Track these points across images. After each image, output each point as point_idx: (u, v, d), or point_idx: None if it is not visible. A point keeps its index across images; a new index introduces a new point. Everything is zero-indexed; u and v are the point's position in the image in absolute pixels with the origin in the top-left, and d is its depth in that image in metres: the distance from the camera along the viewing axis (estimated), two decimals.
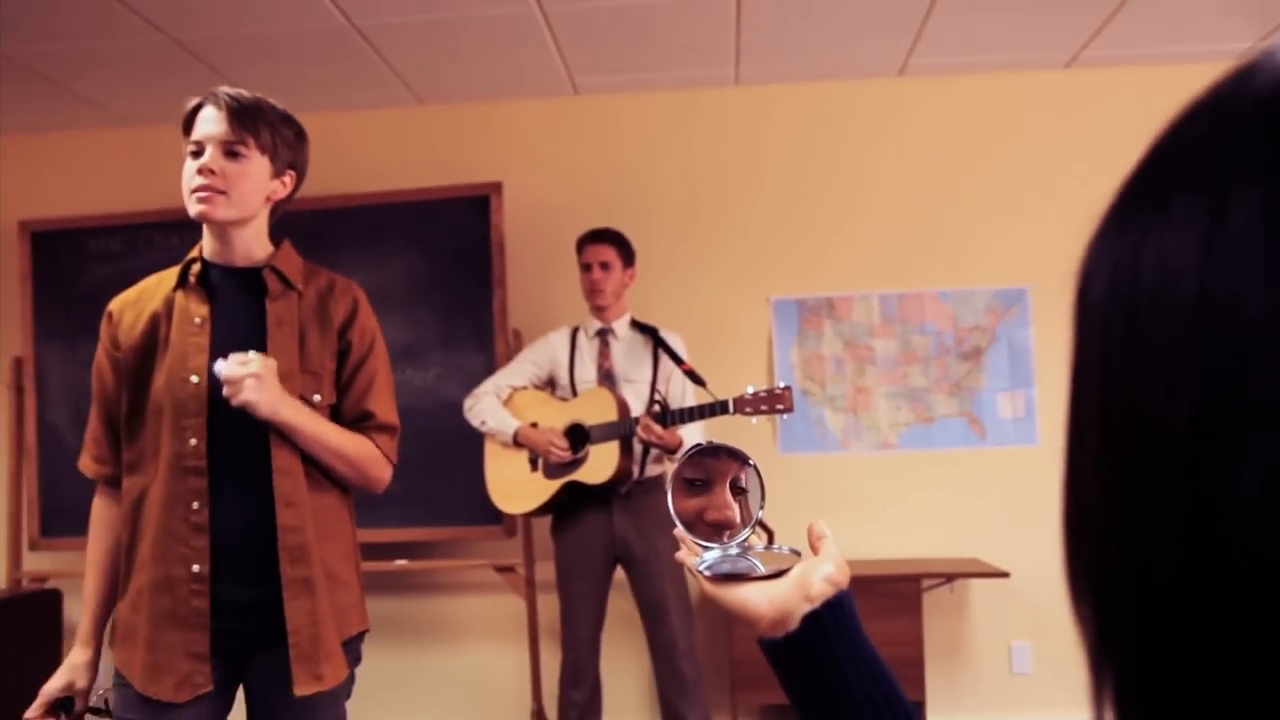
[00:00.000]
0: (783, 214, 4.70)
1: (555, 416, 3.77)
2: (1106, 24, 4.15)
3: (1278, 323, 0.35)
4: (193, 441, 2.02)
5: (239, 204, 2.06)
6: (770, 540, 0.97)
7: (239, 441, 2.04)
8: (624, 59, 4.42)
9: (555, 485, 3.71)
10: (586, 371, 3.84)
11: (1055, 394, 4.53)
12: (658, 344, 3.83)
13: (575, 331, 3.93)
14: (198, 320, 2.08)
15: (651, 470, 3.76)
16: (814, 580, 0.85)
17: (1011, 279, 4.58)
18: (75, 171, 4.96)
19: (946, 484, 4.55)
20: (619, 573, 3.81)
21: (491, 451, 3.90)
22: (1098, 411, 0.42)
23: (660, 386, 3.79)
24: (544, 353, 3.94)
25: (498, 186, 4.49)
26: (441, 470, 4.39)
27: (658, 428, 3.50)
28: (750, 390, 3.44)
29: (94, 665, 2.10)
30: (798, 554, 0.91)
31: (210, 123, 2.05)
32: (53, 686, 2.08)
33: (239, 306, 2.13)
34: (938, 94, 4.68)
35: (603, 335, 3.88)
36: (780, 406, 3.42)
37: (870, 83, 4.70)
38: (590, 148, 4.80)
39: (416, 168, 4.70)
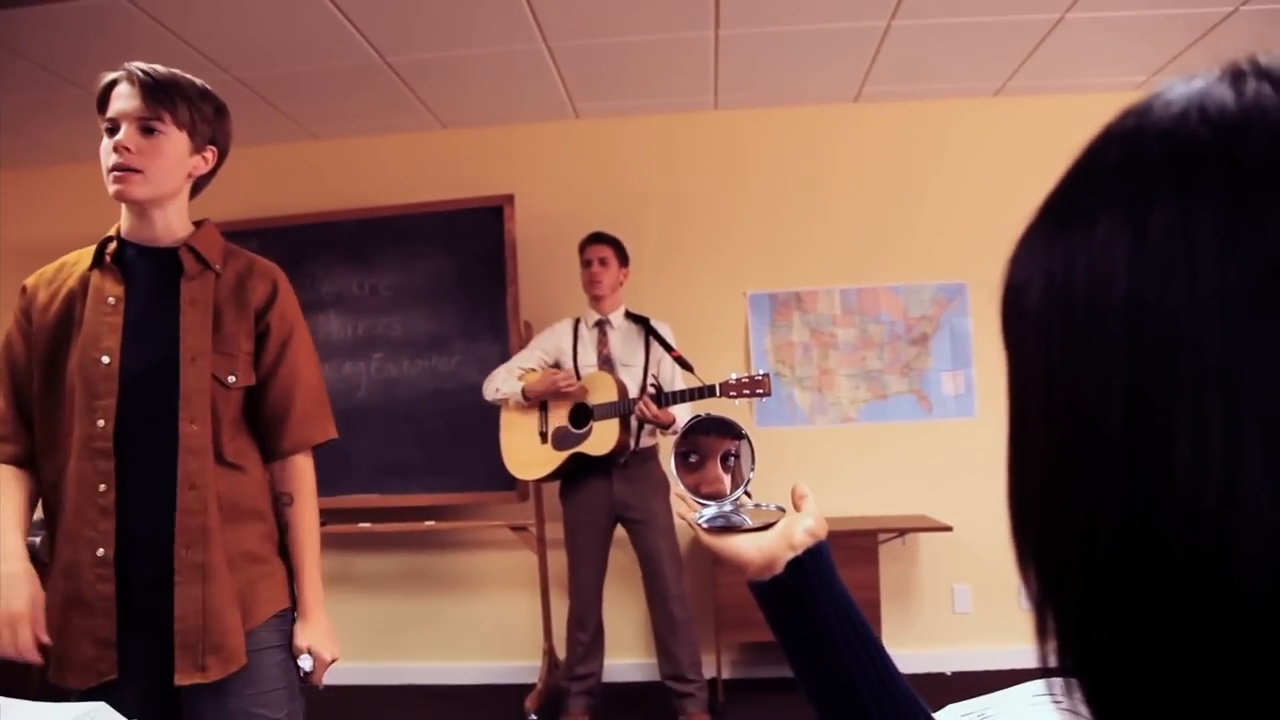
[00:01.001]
0: (757, 220, 4.71)
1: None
2: (1026, 61, 4.18)
3: (1199, 317, 0.35)
4: (101, 423, 1.71)
5: (156, 182, 1.75)
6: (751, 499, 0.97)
7: (149, 423, 1.73)
8: (619, 88, 4.42)
9: (563, 456, 3.72)
10: (588, 357, 3.85)
11: (991, 374, 4.55)
12: (649, 332, 3.84)
13: (577, 322, 3.93)
14: (111, 300, 1.76)
15: (645, 442, 3.76)
16: (796, 532, 0.87)
17: (952, 275, 4.59)
18: None
19: (899, 451, 4.57)
20: (619, 530, 3.82)
21: (506, 424, 3.90)
22: (1040, 402, 0.41)
23: (652, 370, 3.79)
24: (550, 341, 3.94)
25: (510, 198, 4.48)
26: (463, 443, 4.39)
27: (654, 407, 3.51)
28: (734, 376, 3.44)
29: (35, 575, 1.73)
30: (782, 510, 0.92)
31: (124, 99, 1.73)
32: (20, 609, 1.68)
33: (154, 286, 1.80)
34: (887, 117, 4.68)
35: (601, 325, 3.88)
36: (760, 391, 3.41)
37: (830, 107, 4.70)
38: (590, 164, 4.79)
39: (441, 182, 4.69)
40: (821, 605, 0.83)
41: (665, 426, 3.56)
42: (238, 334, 1.82)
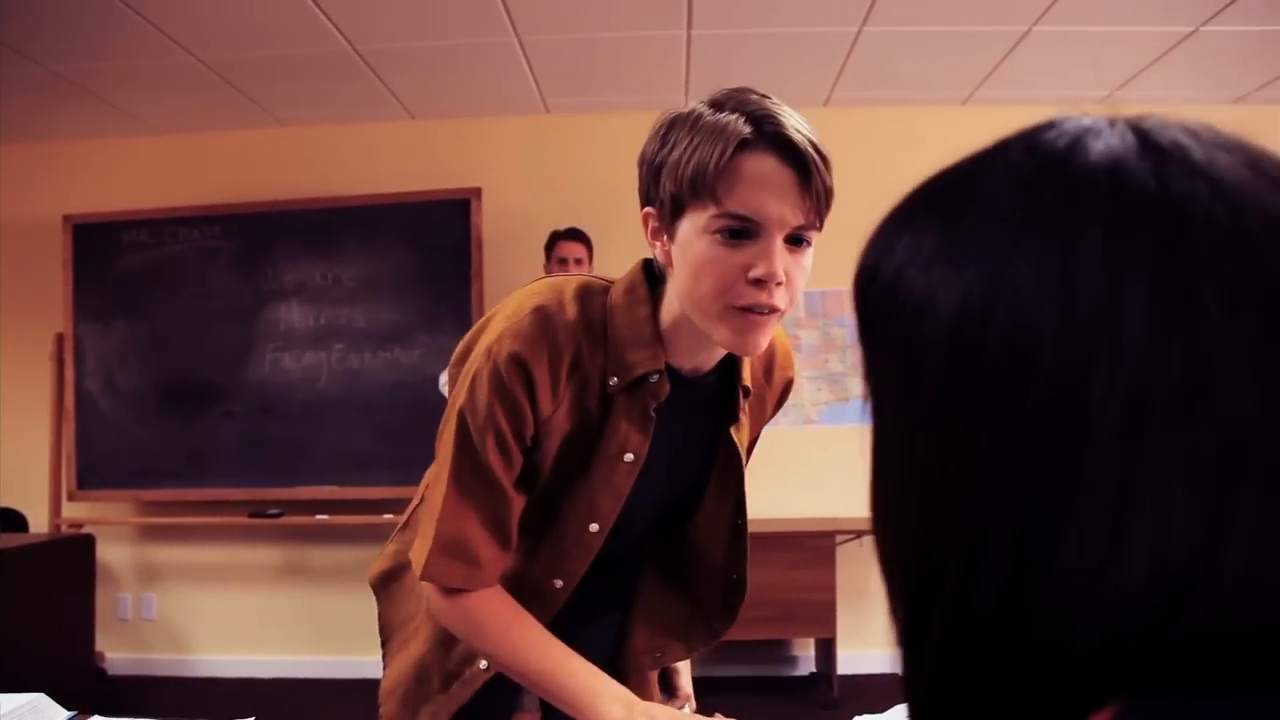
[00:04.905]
0: None
1: None
2: (993, 72, 4.23)
3: (1111, 410, 0.34)
4: (559, 584, 1.34)
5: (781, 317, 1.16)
6: None
7: (606, 574, 1.38)
8: (590, 84, 4.41)
9: None
10: None
11: None
12: None
13: None
14: (629, 459, 1.25)
15: None
16: None
17: None
18: (111, 172, 4.86)
19: (858, 453, 4.51)
20: None
21: None
22: (936, 417, 0.41)
23: None
24: None
25: (478, 191, 4.45)
26: (423, 436, 4.28)
27: None
28: None
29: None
30: None
31: (780, 193, 1.10)
32: None
33: (683, 435, 1.31)
34: (857, 122, 4.70)
35: None
36: None
37: (800, 111, 4.71)
38: (559, 159, 4.78)
39: (408, 174, 4.65)
40: None
41: None
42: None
